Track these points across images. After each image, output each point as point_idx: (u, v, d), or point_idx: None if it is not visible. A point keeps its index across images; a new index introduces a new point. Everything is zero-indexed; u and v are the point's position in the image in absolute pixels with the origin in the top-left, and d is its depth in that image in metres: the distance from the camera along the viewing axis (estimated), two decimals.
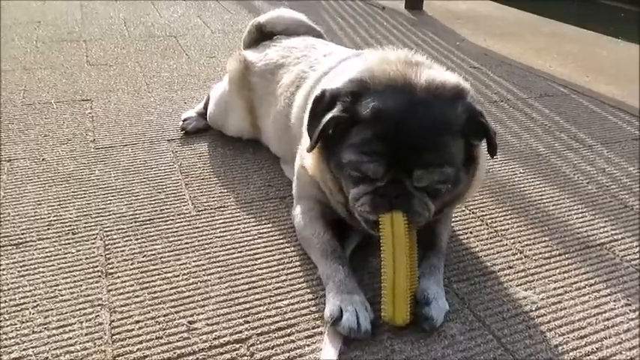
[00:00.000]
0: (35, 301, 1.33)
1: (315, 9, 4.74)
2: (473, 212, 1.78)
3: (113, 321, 1.27)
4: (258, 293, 1.37)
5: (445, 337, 1.26)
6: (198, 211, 1.73)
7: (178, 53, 3.41)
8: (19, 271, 1.43)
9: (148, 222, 1.66)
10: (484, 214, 1.78)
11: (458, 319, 1.31)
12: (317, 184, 1.50)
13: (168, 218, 1.68)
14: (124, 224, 1.65)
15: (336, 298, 1.26)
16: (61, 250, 1.52)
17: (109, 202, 1.76)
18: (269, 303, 1.34)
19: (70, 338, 1.22)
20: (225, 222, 1.67)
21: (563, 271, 1.51)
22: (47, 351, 1.18)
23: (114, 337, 1.23)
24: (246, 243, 1.57)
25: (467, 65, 3.42)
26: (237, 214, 1.72)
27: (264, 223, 1.67)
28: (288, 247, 1.56)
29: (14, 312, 1.29)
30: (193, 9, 4.67)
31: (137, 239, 1.58)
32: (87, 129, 2.29)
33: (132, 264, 1.47)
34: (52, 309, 1.30)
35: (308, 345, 1.22)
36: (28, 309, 1.30)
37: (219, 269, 1.46)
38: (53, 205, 1.73)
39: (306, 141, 1.41)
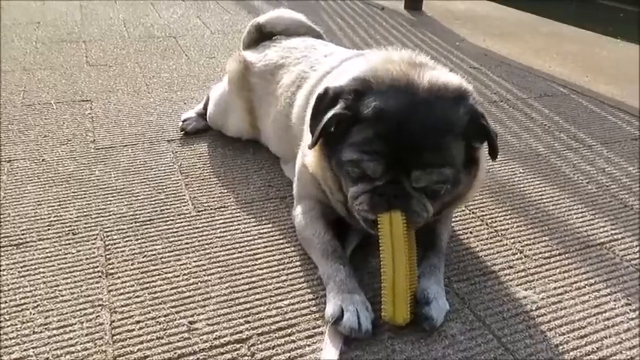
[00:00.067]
0: (36, 301, 1.33)
1: (315, 9, 4.75)
2: (473, 212, 1.78)
3: (114, 321, 1.27)
4: (258, 293, 1.37)
5: (445, 336, 1.26)
6: (199, 211, 1.73)
7: (178, 54, 3.41)
8: (19, 272, 1.43)
9: (148, 222, 1.66)
10: (484, 214, 1.78)
11: (458, 319, 1.31)
12: (318, 183, 1.50)
13: (168, 218, 1.68)
14: (124, 224, 1.65)
15: (336, 298, 1.26)
16: (61, 250, 1.52)
17: (109, 202, 1.76)
18: (269, 303, 1.34)
19: (71, 339, 1.22)
20: (226, 222, 1.68)
21: (563, 270, 1.51)
22: (48, 351, 1.18)
23: (114, 337, 1.23)
24: (246, 243, 1.58)
25: (466, 65, 3.42)
26: (238, 215, 1.72)
27: (265, 223, 1.67)
28: (288, 247, 1.56)
29: (15, 312, 1.29)
30: (193, 10, 4.67)
31: (137, 239, 1.58)
32: (87, 129, 2.29)
33: (132, 264, 1.47)
34: (53, 309, 1.30)
35: (309, 345, 1.22)
36: (28, 309, 1.30)
37: (219, 269, 1.46)
38: (53, 206, 1.73)
39: (307, 139, 1.42)
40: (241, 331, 1.25)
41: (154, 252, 1.52)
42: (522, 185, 1.98)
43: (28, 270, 1.44)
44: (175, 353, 1.19)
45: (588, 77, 3.26)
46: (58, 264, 1.46)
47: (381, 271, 1.27)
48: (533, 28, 4.58)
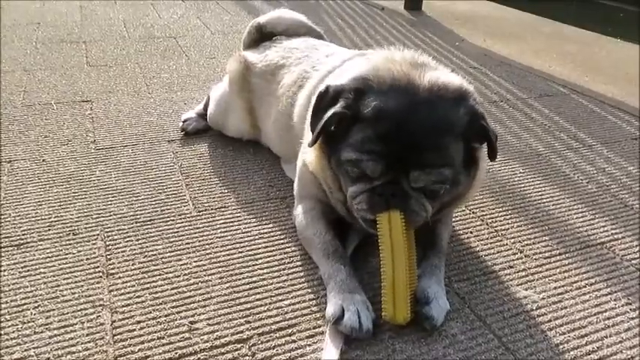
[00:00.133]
0: (36, 301, 1.33)
1: (315, 9, 4.75)
2: (473, 212, 1.78)
3: (114, 321, 1.27)
4: (259, 293, 1.38)
5: (446, 336, 1.26)
6: (199, 211, 1.73)
7: (178, 54, 3.41)
8: (20, 272, 1.43)
9: (148, 222, 1.66)
10: (484, 213, 1.78)
11: (459, 319, 1.31)
12: (319, 183, 1.50)
13: (168, 219, 1.69)
14: (124, 225, 1.65)
15: (337, 298, 1.27)
16: (62, 250, 1.52)
17: (109, 202, 1.76)
18: (270, 303, 1.34)
19: (72, 339, 1.22)
20: (226, 222, 1.68)
21: (563, 270, 1.51)
22: (49, 351, 1.19)
23: (115, 337, 1.23)
24: (247, 243, 1.58)
25: (466, 65, 3.42)
26: (238, 215, 1.72)
27: (265, 224, 1.67)
28: (289, 247, 1.56)
29: (15, 312, 1.29)
30: (193, 10, 4.67)
31: (138, 240, 1.58)
32: (87, 130, 2.29)
33: (133, 264, 1.47)
34: (54, 309, 1.30)
35: (309, 345, 1.22)
36: (29, 310, 1.30)
37: (220, 269, 1.46)
38: (54, 206, 1.73)
39: (308, 137, 1.42)
40: (242, 331, 1.25)
41: (154, 252, 1.53)
42: (522, 185, 1.98)
43: (28, 270, 1.44)
44: (176, 353, 1.19)
45: (588, 77, 3.26)
46: (59, 264, 1.46)
47: (380, 271, 1.27)
48: (534, 28, 4.58)
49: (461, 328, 1.28)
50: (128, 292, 1.37)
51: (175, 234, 1.61)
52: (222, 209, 1.75)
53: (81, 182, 1.88)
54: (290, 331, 1.26)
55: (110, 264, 1.47)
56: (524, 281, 1.46)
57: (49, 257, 1.49)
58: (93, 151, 2.11)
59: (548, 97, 2.92)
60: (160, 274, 1.43)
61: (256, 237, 1.61)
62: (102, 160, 2.04)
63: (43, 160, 2.02)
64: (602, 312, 1.36)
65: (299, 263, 1.49)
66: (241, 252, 1.54)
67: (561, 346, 1.25)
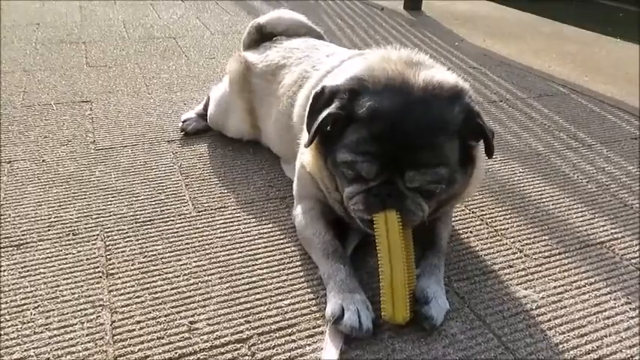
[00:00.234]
0: (36, 301, 1.33)
1: (314, 10, 4.75)
2: (473, 212, 1.78)
3: (114, 321, 1.27)
4: (259, 293, 1.38)
5: (446, 336, 1.26)
6: (199, 211, 1.73)
7: (178, 54, 3.42)
8: (20, 272, 1.43)
9: (148, 222, 1.66)
10: (484, 213, 1.78)
11: (458, 318, 1.31)
12: (317, 183, 1.50)
13: (168, 219, 1.69)
14: (124, 225, 1.65)
15: (337, 297, 1.27)
16: (61, 250, 1.52)
17: (109, 202, 1.77)
18: (270, 303, 1.34)
19: (72, 339, 1.22)
20: (226, 222, 1.68)
21: (563, 269, 1.51)
22: (49, 352, 1.19)
23: (115, 337, 1.23)
24: (246, 243, 1.58)
25: (466, 65, 3.42)
26: (238, 215, 1.72)
27: (265, 224, 1.67)
28: (288, 247, 1.56)
29: (15, 313, 1.29)
30: (192, 10, 4.67)
31: (138, 240, 1.58)
32: (87, 130, 2.29)
33: (133, 264, 1.47)
34: (53, 310, 1.30)
35: (309, 344, 1.22)
36: (29, 310, 1.30)
37: (219, 269, 1.46)
38: (54, 206, 1.73)
39: (305, 138, 1.42)
40: (242, 331, 1.25)
41: (154, 252, 1.53)
42: (522, 185, 1.98)
43: (28, 270, 1.44)
44: (176, 353, 1.19)
45: (588, 77, 3.26)
46: (59, 264, 1.46)
47: (379, 271, 1.27)
48: (533, 28, 4.58)
49: (460, 328, 1.28)
50: (128, 292, 1.37)
51: (175, 234, 1.61)
52: (222, 209, 1.75)
53: (81, 182, 1.88)
54: (290, 330, 1.26)
55: (110, 264, 1.47)
56: (523, 281, 1.46)
57: (49, 257, 1.49)
58: (92, 151, 2.11)
59: (548, 96, 2.92)
60: (159, 274, 1.44)
61: (256, 237, 1.61)
62: (102, 160, 2.04)
63: (43, 161, 2.02)
64: (602, 311, 1.36)
65: (299, 263, 1.49)
66: (241, 252, 1.54)
67: (561, 346, 1.25)
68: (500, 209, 1.81)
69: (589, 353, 1.23)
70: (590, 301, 1.39)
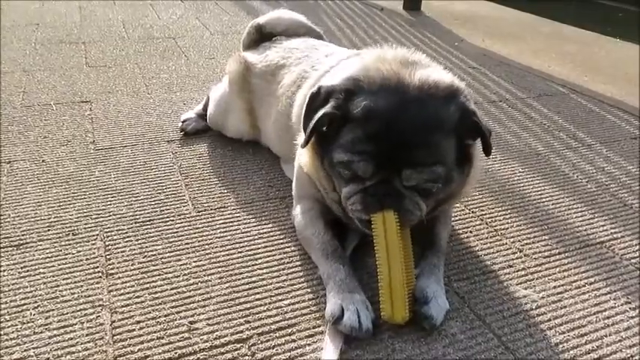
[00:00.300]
0: (36, 301, 1.33)
1: (314, 10, 4.75)
2: (473, 211, 1.78)
3: (114, 321, 1.27)
4: (258, 293, 1.38)
5: (446, 335, 1.26)
6: (199, 211, 1.73)
7: (177, 55, 3.42)
8: (19, 272, 1.43)
9: (148, 222, 1.66)
10: (484, 213, 1.78)
11: (458, 318, 1.31)
12: (315, 183, 1.50)
13: (168, 219, 1.69)
14: (124, 225, 1.65)
15: (337, 297, 1.27)
16: (61, 250, 1.52)
17: (109, 202, 1.76)
18: (270, 303, 1.34)
19: (71, 339, 1.22)
20: (226, 222, 1.68)
21: (563, 269, 1.51)
22: (48, 352, 1.19)
23: (115, 337, 1.23)
24: (246, 243, 1.58)
25: (465, 65, 3.42)
26: (238, 215, 1.72)
27: (265, 224, 1.67)
28: (288, 247, 1.56)
29: (15, 313, 1.29)
30: (192, 10, 4.67)
31: (137, 240, 1.58)
32: (86, 130, 2.29)
33: (132, 264, 1.47)
34: (53, 310, 1.30)
35: (309, 344, 1.22)
36: (28, 310, 1.30)
37: (219, 269, 1.46)
38: (53, 207, 1.73)
39: (301, 138, 1.42)
40: (241, 331, 1.25)
41: (154, 252, 1.53)
42: (522, 184, 1.98)
43: (28, 270, 1.44)
44: (176, 353, 1.19)
45: (587, 77, 3.26)
46: (59, 264, 1.46)
47: (377, 271, 1.27)
48: (533, 28, 4.59)
49: (460, 328, 1.28)
50: (128, 293, 1.37)
51: (175, 234, 1.61)
52: (222, 209, 1.75)
53: (80, 182, 1.88)
54: (290, 330, 1.26)
55: (110, 264, 1.47)
56: (523, 280, 1.46)
57: (49, 257, 1.49)
58: (92, 151, 2.11)
59: (548, 96, 2.92)
60: (159, 274, 1.43)
61: (256, 237, 1.61)
62: (101, 160, 2.04)
63: (43, 161, 2.02)
64: (602, 311, 1.36)
65: (298, 263, 1.49)
66: (241, 252, 1.54)
67: (561, 345, 1.25)
68: (500, 209, 1.81)
69: (589, 353, 1.23)
70: (590, 301, 1.39)
